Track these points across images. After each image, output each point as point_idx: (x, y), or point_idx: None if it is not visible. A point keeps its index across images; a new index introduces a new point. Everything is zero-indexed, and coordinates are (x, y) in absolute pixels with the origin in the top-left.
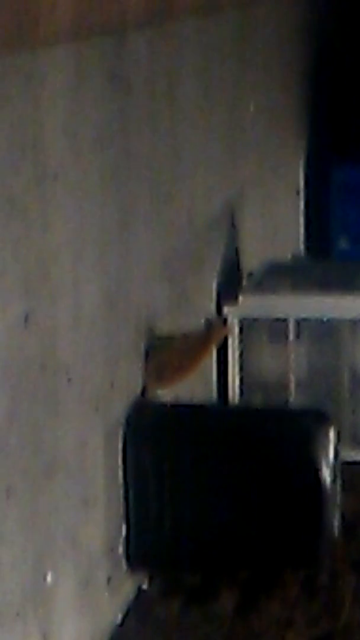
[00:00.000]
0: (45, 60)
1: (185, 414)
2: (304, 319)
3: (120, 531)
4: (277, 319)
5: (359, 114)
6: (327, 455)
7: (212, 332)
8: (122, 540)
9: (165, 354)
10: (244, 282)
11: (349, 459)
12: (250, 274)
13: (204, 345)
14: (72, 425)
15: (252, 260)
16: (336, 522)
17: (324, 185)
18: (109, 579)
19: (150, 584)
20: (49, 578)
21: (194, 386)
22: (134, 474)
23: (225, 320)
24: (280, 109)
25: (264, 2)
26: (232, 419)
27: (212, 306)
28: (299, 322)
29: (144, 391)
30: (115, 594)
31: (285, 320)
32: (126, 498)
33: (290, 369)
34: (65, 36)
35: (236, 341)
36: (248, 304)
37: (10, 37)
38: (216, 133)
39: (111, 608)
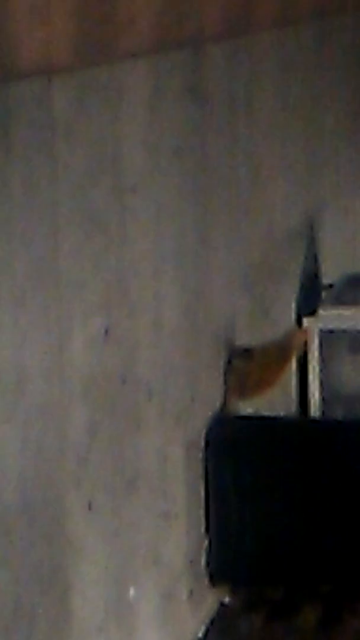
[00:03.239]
0: (124, 73)
1: (266, 427)
2: None
3: (202, 545)
4: (358, 331)
5: None
6: None
7: (292, 342)
8: (203, 553)
9: (245, 366)
10: (324, 294)
11: None
12: (330, 286)
13: (285, 358)
14: (153, 439)
15: (332, 271)
16: None
17: None
18: (190, 593)
19: (232, 597)
20: (131, 592)
21: (275, 399)
22: (215, 487)
23: (304, 330)
24: None
25: (343, 12)
26: (312, 431)
27: (292, 318)
28: None
29: (224, 404)
30: (197, 608)
31: None
32: (207, 512)
33: None
34: (143, 49)
35: (316, 353)
36: (328, 316)
37: (89, 50)
38: (295, 145)
39: (193, 622)
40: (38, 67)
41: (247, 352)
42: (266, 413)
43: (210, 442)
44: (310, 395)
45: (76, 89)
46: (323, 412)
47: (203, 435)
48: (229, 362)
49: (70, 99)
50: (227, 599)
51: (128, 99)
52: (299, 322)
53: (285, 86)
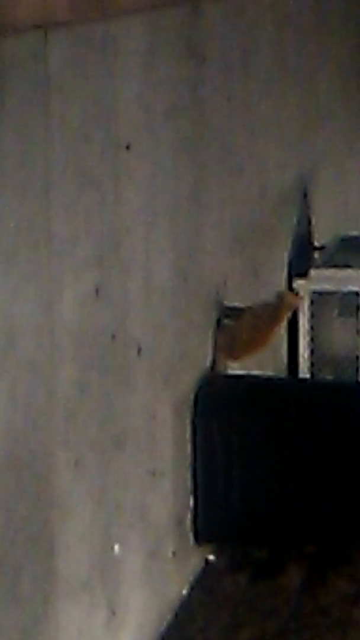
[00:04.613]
0: (120, 29)
1: (254, 387)
2: None
3: (188, 504)
4: (348, 293)
5: None
6: None
7: (283, 304)
8: (189, 512)
9: (235, 327)
10: (316, 256)
11: None
12: (322, 247)
13: (275, 318)
14: (141, 398)
15: (324, 234)
16: None
17: None
18: (175, 552)
19: (217, 556)
20: (116, 550)
21: (264, 359)
22: (203, 446)
23: (296, 293)
24: (356, 82)
25: None
26: (301, 392)
27: (284, 279)
28: None
29: (213, 364)
30: (181, 566)
31: (356, 294)
32: (194, 471)
33: None
34: (140, 6)
35: (307, 315)
36: (319, 278)
37: (85, 6)
38: (290, 106)
39: (178, 580)
40: (33, 22)
41: (237, 312)
42: (255, 373)
43: (198, 401)
44: (300, 355)
45: (72, 44)
46: (312, 373)
47: (192, 394)
48: (219, 321)
49: (65, 54)
50: (212, 558)
51: (124, 55)
52: (290, 283)
53: (282, 46)
